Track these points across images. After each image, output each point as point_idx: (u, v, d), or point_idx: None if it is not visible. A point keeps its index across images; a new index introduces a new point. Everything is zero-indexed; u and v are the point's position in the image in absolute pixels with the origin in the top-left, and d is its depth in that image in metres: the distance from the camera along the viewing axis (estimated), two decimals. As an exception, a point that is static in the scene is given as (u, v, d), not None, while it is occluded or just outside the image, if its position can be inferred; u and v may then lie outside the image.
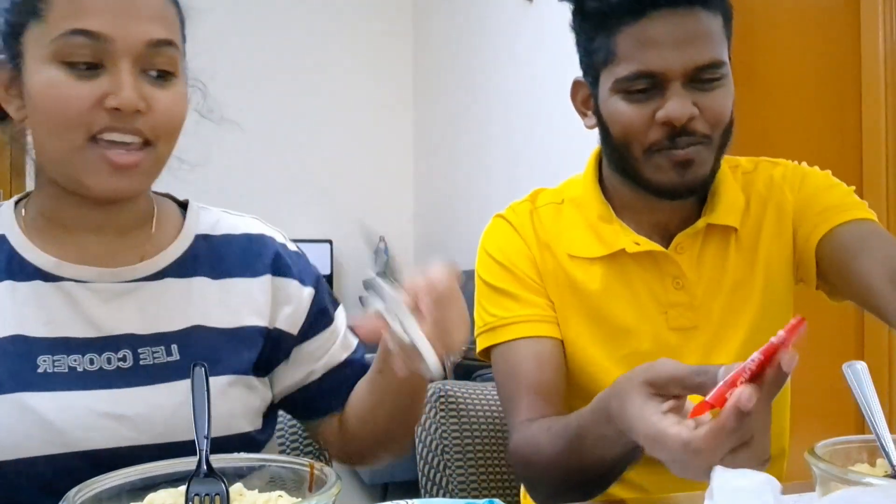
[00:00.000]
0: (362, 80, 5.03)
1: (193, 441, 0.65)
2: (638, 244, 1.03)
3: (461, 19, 4.39)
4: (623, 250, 1.03)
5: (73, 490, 0.60)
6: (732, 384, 0.62)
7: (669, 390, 0.70)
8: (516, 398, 1.00)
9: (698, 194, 1.04)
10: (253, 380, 0.89)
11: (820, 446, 0.72)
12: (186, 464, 0.66)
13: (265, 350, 0.91)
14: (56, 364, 0.81)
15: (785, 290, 1.08)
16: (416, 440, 1.24)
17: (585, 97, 1.06)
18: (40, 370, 0.80)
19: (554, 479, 0.93)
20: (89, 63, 0.77)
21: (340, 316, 1.00)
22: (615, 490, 1.06)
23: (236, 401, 0.87)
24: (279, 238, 0.97)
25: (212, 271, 0.90)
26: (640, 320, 1.03)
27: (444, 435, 1.22)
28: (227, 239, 0.94)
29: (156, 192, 0.94)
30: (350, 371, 0.97)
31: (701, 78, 0.96)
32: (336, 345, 0.98)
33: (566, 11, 1.05)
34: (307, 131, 4.84)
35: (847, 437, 0.75)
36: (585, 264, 1.05)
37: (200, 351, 0.85)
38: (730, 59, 1.01)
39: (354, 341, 1.00)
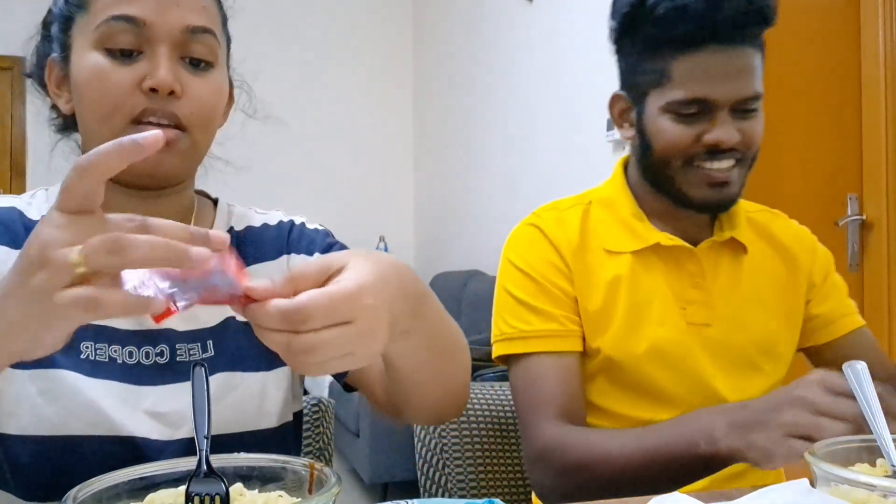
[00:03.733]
0: (362, 81, 5.03)
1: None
2: (671, 239, 1.11)
3: (461, 19, 4.39)
4: (658, 244, 1.10)
5: (73, 490, 0.60)
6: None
7: None
8: (541, 407, 1.04)
9: (727, 209, 1.12)
10: (284, 370, 0.90)
11: (820, 446, 0.72)
12: (186, 464, 0.66)
13: None
14: (98, 352, 0.82)
15: (796, 313, 1.17)
16: (416, 440, 1.24)
17: (623, 110, 1.13)
18: (83, 356, 0.82)
19: (619, 484, 0.95)
20: (129, 49, 0.80)
21: None
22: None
23: (269, 395, 0.88)
24: (298, 220, 0.99)
25: None
26: (663, 312, 1.09)
27: (444, 435, 1.22)
28: (248, 231, 0.95)
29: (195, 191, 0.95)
30: None
31: (744, 108, 1.05)
32: None
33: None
34: (307, 132, 4.84)
35: (847, 437, 0.75)
36: (620, 258, 1.11)
37: (233, 346, 0.87)
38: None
39: None
